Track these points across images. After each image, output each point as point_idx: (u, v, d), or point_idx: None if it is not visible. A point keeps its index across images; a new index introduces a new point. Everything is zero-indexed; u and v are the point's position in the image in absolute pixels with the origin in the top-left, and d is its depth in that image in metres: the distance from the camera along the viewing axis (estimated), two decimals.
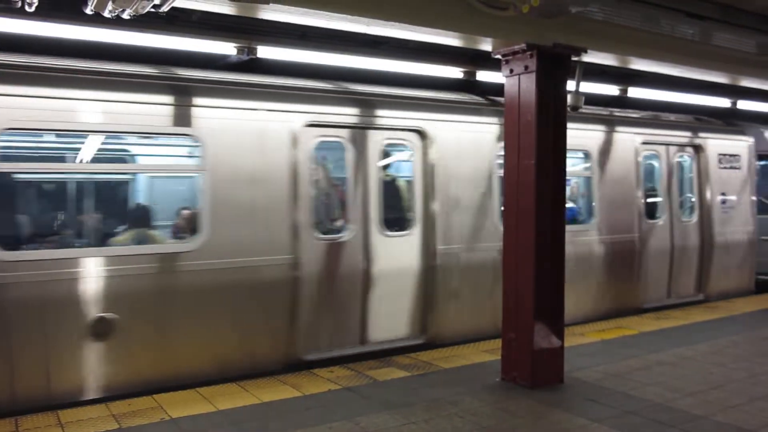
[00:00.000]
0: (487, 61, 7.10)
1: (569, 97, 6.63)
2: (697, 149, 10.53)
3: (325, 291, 6.90)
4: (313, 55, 7.14)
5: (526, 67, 6.02)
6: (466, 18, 5.55)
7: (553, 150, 6.09)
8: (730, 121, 11.45)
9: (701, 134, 10.62)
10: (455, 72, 8.26)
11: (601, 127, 9.37)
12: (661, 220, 10.01)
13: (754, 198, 11.33)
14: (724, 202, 10.75)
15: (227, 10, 5.06)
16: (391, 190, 7.55)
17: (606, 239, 9.18)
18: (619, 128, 9.57)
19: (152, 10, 4.56)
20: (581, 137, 8.87)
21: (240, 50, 6.72)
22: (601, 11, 6.13)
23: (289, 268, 6.57)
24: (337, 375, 6.42)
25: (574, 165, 9.38)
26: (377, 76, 7.80)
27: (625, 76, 9.49)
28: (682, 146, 10.41)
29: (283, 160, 6.59)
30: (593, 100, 8.87)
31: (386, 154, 7.53)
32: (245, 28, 6.59)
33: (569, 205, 9.10)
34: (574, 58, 6.33)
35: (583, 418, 5.25)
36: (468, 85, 8.48)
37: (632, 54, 6.80)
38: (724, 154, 10.82)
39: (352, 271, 7.08)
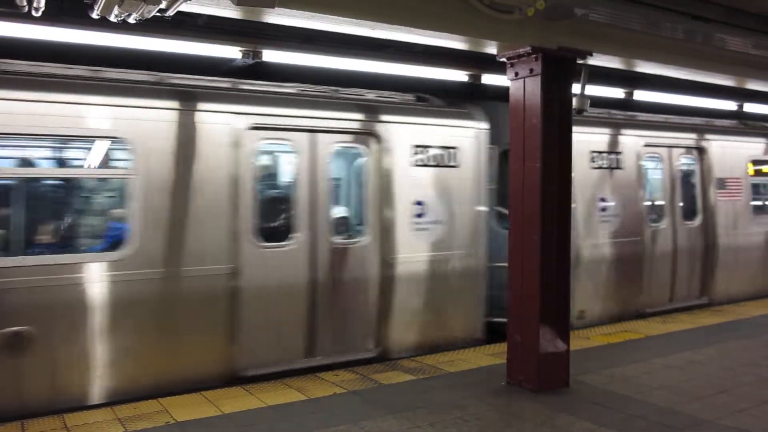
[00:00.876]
0: (490, 64, 7.09)
1: (574, 100, 6.63)
2: (377, 140, 7.23)
3: None
4: (318, 58, 7.16)
5: (531, 71, 6.02)
6: (472, 21, 5.56)
7: (559, 153, 6.09)
8: (454, 101, 8.11)
9: (381, 118, 7.25)
10: (460, 75, 8.26)
11: (159, 102, 6.10)
12: (293, 244, 6.71)
13: (482, 208, 7.93)
14: (420, 215, 7.44)
15: (233, 14, 5.08)
16: None
17: (150, 276, 5.94)
18: (205, 106, 6.31)
19: (158, 14, 4.58)
20: (100, 116, 5.84)
21: (245, 54, 6.74)
22: (606, 14, 6.12)
23: None
24: (342, 379, 6.41)
25: (71, 157, 6.52)
26: None
27: (631, 79, 9.46)
28: (345, 134, 7.12)
29: None
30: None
31: None
32: (249, 32, 6.60)
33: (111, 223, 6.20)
34: (580, 61, 6.33)
35: (588, 422, 5.22)
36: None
37: (637, 57, 6.79)
38: (425, 146, 7.48)
39: None
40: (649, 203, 9.82)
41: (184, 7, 4.61)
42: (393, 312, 7.28)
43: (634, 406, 5.59)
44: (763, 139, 11.45)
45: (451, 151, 7.67)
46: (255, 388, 6.08)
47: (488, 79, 8.34)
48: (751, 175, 11.11)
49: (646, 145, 9.62)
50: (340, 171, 7.58)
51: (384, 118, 7.28)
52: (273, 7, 4.55)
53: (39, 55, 5.93)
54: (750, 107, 11.61)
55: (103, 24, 5.16)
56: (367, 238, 7.20)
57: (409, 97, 7.85)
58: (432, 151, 7.55)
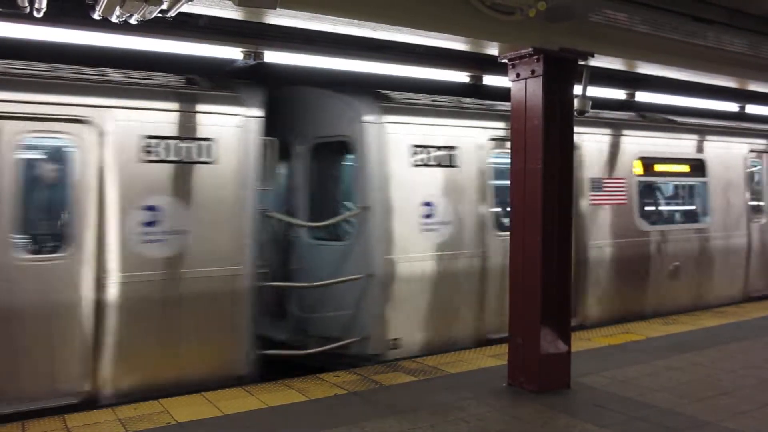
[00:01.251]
0: (492, 65, 7.08)
1: (576, 101, 6.63)
2: (94, 129, 5.81)
3: None
4: (319, 59, 7.15)
5: (533, 72, 6.03)
6: (473, 23, 5.55)
7: (560, 154, 6.09)
8: (224, 83, 6.70)
9: (96, 101, 5.83)
10: (461, 76, 8.25)
11: None
12: None
13: (249, 214, 6.48)
14: (152, 223, 5.99)
15: (234, 14, 5.08)
16: None
17: None
18: None
19: (159, 15, 4.58)
20: None
21: (246, 55, 6.74)
22: (607, 15, 6.13)
23: None
24: (344, 380, 6.41)
25: None
26: None
27: (632, 80, 9.44)
28: (41, 122, 5.66)
29: None
30: None
31: None
32: (250, 33, 6.59)
33: None
34: (581, 62, 6.33)
35: (590, 423, 5.22)
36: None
37: (639, 58, 6.80)
38: (162, 137, 6.05)
39: None
40: (498, 209, 8.02)
41: (186, 8, 4.61)
42: (107, 347, 5.78)
43: (636, 407, 5.58)
44: (658, 134, 9.81)
45: (204, 143, 6.25)
46: (256, 389, 6.07)
47: (489, 80, 8.32)
48: (640, 175, 9.48)
49: (493, 139, 7.90)
50: (37, 168, 6.00)
51: (100, 101, 5.82)
52: (274, 8, 4.55)
53: (40, 55, 5.94)
54: (751, 108, 11.58)
55: (105, 25, 5.16)
56: (73, 253, 5.71)
57: (175, 78, 6.43)
58: (173, 144, 6.10)
